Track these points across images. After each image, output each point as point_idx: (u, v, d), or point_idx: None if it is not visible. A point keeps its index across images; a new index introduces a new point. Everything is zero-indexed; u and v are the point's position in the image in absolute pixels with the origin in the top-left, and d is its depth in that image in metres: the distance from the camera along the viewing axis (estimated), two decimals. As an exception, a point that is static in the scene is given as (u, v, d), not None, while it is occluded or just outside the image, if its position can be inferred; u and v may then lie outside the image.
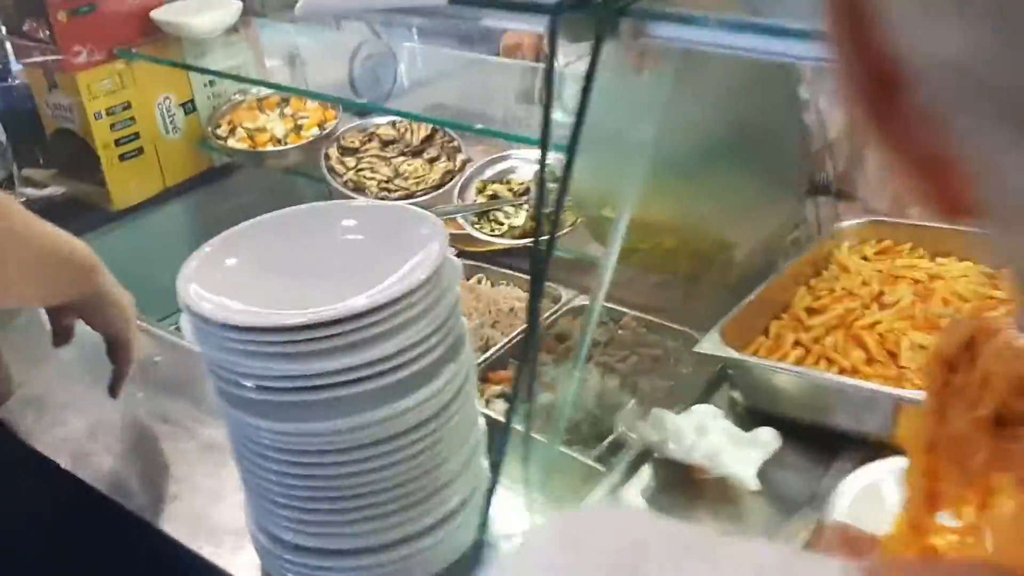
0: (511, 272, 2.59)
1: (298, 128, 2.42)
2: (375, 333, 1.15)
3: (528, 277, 2.54)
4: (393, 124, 2.41)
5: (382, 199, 2.15)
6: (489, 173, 2.18)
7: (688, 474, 1.41)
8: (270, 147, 2.36)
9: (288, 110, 2.51)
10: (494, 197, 2.04)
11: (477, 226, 1.98)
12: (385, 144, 2.35)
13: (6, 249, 1.18)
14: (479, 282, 2.59)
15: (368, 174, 2.22)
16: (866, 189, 1.87)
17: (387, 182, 2.19)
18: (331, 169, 2.26)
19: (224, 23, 2.38)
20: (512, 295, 2.53)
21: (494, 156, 2.21)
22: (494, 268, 2.61)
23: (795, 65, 1.53)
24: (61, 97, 2.31)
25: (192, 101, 2.49)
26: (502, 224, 1.98)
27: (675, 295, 1.62)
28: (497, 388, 2.12)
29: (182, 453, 1.53)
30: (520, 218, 1.96)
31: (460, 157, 2.25)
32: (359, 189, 2.19)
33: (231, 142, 2.40)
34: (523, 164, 2.21)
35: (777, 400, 1.48)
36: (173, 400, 1.65)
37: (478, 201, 2.05)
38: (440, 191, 2.14)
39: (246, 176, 2.74)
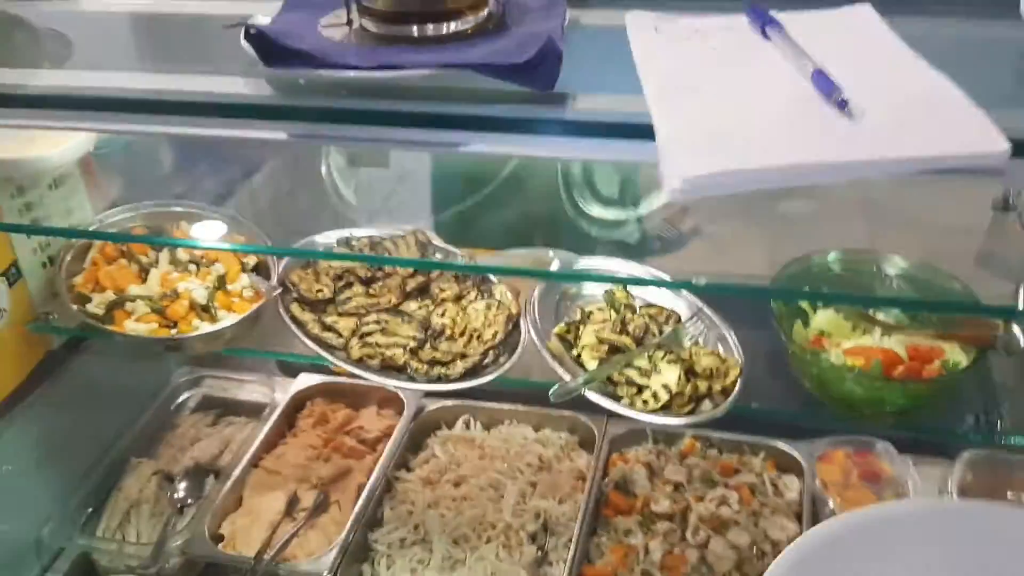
0: (495, 405, 2.01)
1: (220, 282, 1.61)
2: None
3: (539, 409, 1.97)
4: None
5: (436, 379, 1.47)
6: (548, 304, 1.59)
7: None
8: (202, 326, 1.54)
9: (178, 252, 1.67)
10: (615, 349, 1.46)
11: (624, 400, 1.40)
12: (365, 283, 1.64)
13: None
14: (467, 426, 1.99)
15: (382, 339, 1.51)
16: None
17: (421, 349, 1.51)
18: (318, 340, 1.51)
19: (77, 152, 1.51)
20: (526, 437, 1.95)
21: (550, 284, 1.61)
22: (476, 404, 2.01)
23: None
24: None
25: (15, 266, 1.58)
26: (640, 386, 1.41)
27: None
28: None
29: None
30: (669, 373, 1.41)
31: (499, 289, 1.62)
32: (389, 367, 1.49)
33: (129, 324, 1.53)
34: (575, 282, 1.64)
35: None
36: None
37: (588, 358, 1.46)
38: (517, 351, 1.51)
39: (98, 352, 1.84)
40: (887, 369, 1.31)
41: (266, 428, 1.92)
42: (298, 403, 2.01)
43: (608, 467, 1.85)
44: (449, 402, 2.00)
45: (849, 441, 1.78)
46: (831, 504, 1.67)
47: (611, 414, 1.89)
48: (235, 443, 1.93)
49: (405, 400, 1.97)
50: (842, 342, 1.43)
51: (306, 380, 2.03)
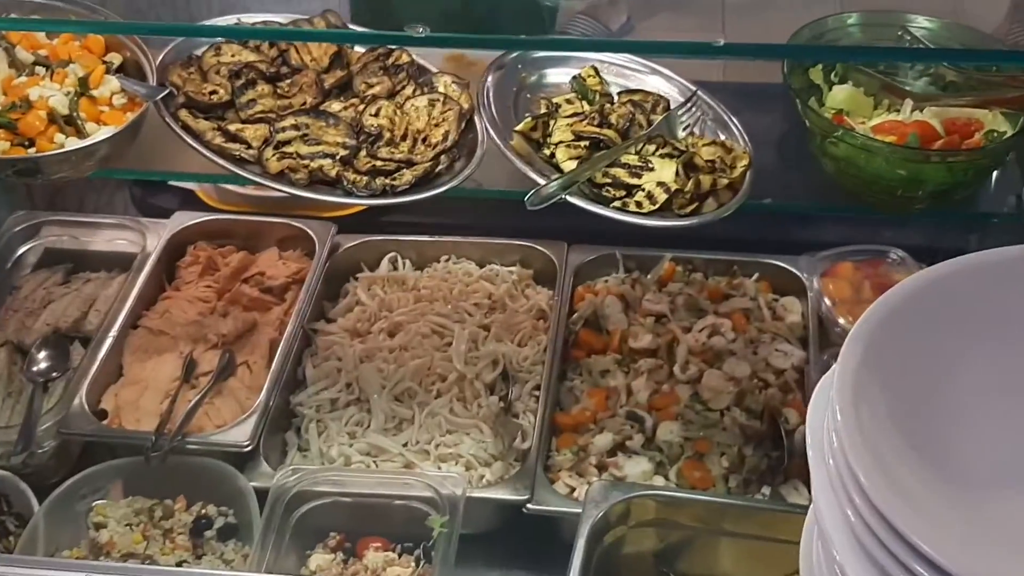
0: (427, 239, 2.07)
1: (83, 86, 1.61)
2: None
3: (481, 240, 2.06)
4: (245, 44, 1.71)
5: (380, 192, 1.53)
6: (504, 99, 1.66)
7: None
8: (68, 142, 1.54)
9: (19, 51, 1.65)
10: (595, 145, 1.54)
11: (616, 204, 1.49)
12: (270, 80, 1.66)
13: None
14: (394, 265, 2.08)
15: (304, 148, 1.55)
16: None
17: (356, 157, 1.55)
18: (222, 152, 1.55)
19: None
20: (470, 274, 2.05)
21: (493, 63, 1.67)
22: (403, 238, 2.09)
23: None
24: None
25: None
26: (630, 186, 1.51)
27: None
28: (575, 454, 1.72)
29: None
30: (665, 168, 1.51)
31: (442, 81, 1.67)
32: (320, 182, 1.53)
33: (-29, 145, 1.52)
34: (533, 66, 1.71)
35: None
36: None
37: (563, 157, 1.54)
38: (476, 155, 1.58)
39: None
40: (924, 143, 1.44)
41: (140, 281, 1.95)
42: (176, 248, 2.04)
43: (574, 302, 1.97)
44: (369, 237, 2.07)
45: (857, 252, 1.94)
46: (842, 323, 1.84)
47: (573, 240, 2.05)
48: (100, 302, 1.96)
49: (315, 236, 2.03)
50: (864, 121, 1.55)
51: (183, 219, 2.07)
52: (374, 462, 1.74)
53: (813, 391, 1.69)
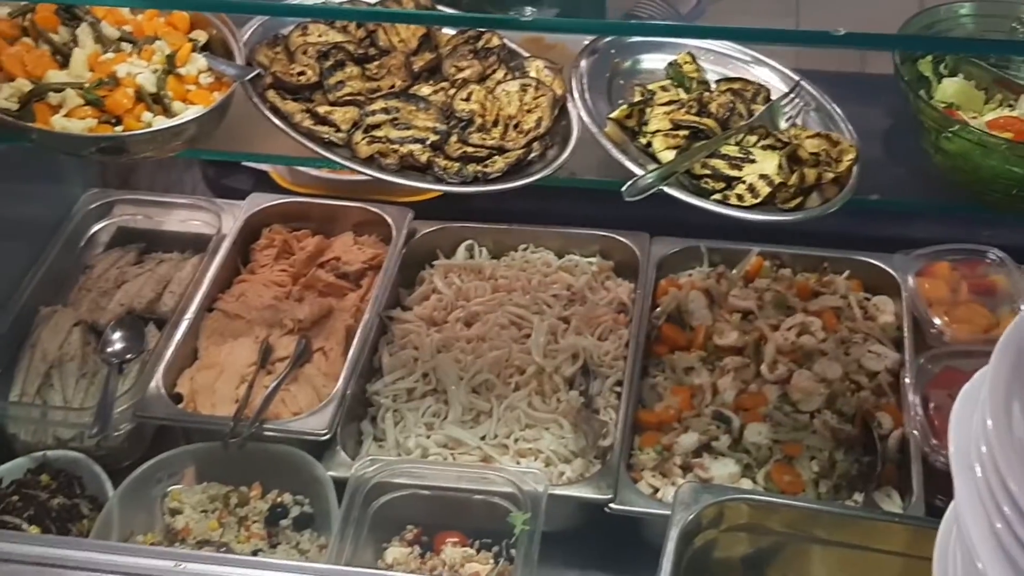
0: (504, 227, 2.07)
1: (171, 63, 1.62)
2: None
3: (560, 230, 2.05)
4: (332, 24, 1.70)
5: (471, 179, 1.51)
6: (597, 85, 1.64)
7: None
8: (156, 120, 1.55)
9: (104, 27, 1.66)
10: (695, 135, 1.52)
11: (716, 196, 1.47)
12: (360, 62, 1.66)
13: None
14: (471, 253, 2.08)
15: (394, 132, 1.55)
16: None
17: (446, 143, 1.54)
18: (311, 136, 1.54)
19: None
20: (549, 264, 2.04)
21: (586, 48, 1.65)
22: (480, 226, 2.09)
23: None
24: None
25: None
26: (730, 178, 1.49)
27: None
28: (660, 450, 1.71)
29: None
30: (768, 160, 1.49)
31: (534, 66, 1.66)
32: (410, 167, 1.53)
33: (58, 121, 1.52)
34: (628, 51, 1.69)
35: None
36: None
37: (660, 146, 1.53)
38: (571, 142, 1.56)
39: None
40: (1044, 141, 1.41)
41: (216, 263, 1.96)
42: (251, 231, 2.05)
43: (657, 296, 1.96)
44: (446, 224, 2.07)
45: (954, 251, 1.92)
46: (937, 324, 1.81)
47: (653, 231, 2.03)
48: (175, 284, 1.97)
49: (392, 222, 2.02)
50: (975, 116, 1.53)
51: (258, 201, 2.07)
52: (451, 454, 1.74)
53: (909, 395, 1.70)
